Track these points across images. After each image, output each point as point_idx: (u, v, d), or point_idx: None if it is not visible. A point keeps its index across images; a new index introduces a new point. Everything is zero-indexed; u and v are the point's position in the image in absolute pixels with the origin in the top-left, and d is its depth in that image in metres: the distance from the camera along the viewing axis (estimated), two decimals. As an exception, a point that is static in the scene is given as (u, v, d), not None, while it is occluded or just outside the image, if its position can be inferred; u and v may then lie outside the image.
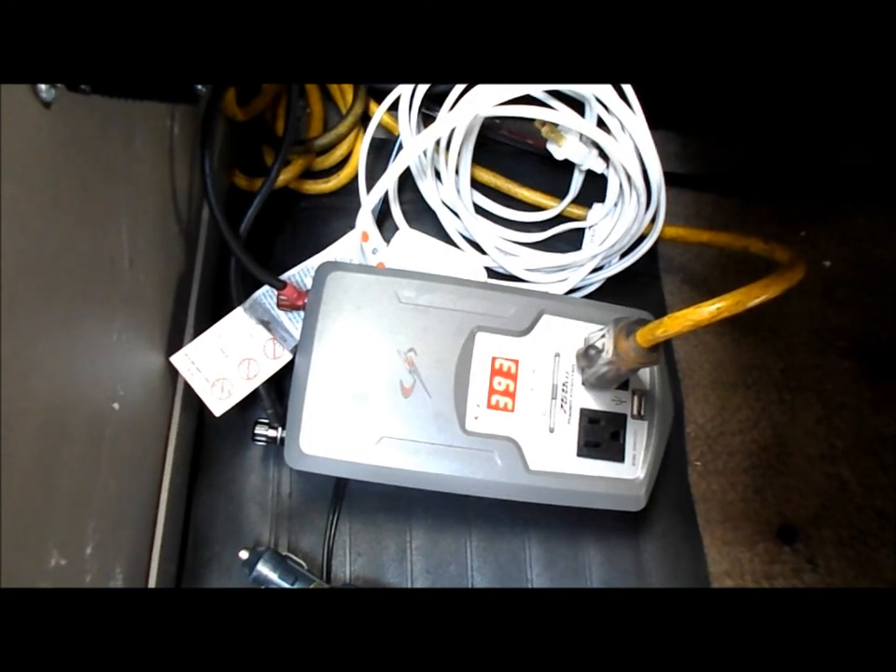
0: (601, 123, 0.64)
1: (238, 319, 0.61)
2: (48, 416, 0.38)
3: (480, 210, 0.74)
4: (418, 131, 0.69)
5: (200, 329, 0.60)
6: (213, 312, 0.66)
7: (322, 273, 0.58)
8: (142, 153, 0.49)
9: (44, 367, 0.37)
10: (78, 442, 0.42)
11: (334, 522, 0.63)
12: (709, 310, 0.44)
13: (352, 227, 0.67)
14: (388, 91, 0.69)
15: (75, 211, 0.39)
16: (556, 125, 0.69)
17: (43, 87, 0.33)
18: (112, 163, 0.44)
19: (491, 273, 0.70)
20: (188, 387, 0.59)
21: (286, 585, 0.56)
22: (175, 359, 0.58)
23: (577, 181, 0.74)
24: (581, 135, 0.68)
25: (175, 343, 0.59)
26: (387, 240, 0.69)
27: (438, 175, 0.70)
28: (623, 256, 0.71)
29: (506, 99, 0.59)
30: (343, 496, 0.64)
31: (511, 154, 0.77)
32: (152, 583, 0.54)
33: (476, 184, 0.74)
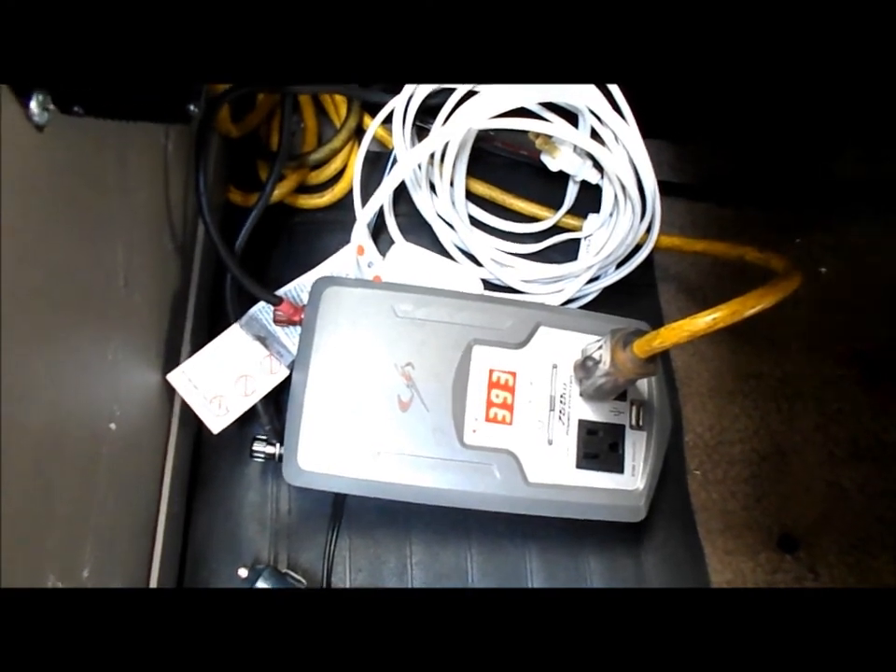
0: (595, 134, 0.64)
1: (235, 336, 0.61)
2: (43, 439, 0.38)
3: (475, 222, 0.74)
4: (412, 144, 0.69)
5: (196, 346, 0.60)
6: (209, 328, 0.66)
7: (318, 288, 0.58)
8: (137, 172, 0.49)
9: (39, 389, 0.37)
10: (75, 464, 0.42)
11: (334, 538, 0.63)
12: (705, 320, 0.44)
13: (347, 241, 0.67)
14: (382, 105, 0.69)
15: (69, 232, 0.39)
16: (550, 137, 0.69)
17: (36, 111, 0.33)
18: (107, 183, 0.44)
19: (487, 284, 0.70)
20: (185, 405, 0.59)
21: (285, 603, 0.56)
22: (172, 377, 0.58)
23: (572, 192, 0.74)
24: (575, 147, 0.68)
25: (171, 361, 0.59)
26: (383, 253, 0.69)
27: (432, 187, 0.70)
28: (618, 266, 0.71)
29: (500, 112, 0.59)
30: (342, 511, 0.64)
31: (505, 165, 0.77)
32: (151, 603, 0.54)
33: (471, 195, 0.74)
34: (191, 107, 0.35)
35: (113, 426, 0.47)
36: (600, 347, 0.53)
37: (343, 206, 0.73)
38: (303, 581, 0.59)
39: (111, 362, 0.46)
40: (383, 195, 0.63)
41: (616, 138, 0.63)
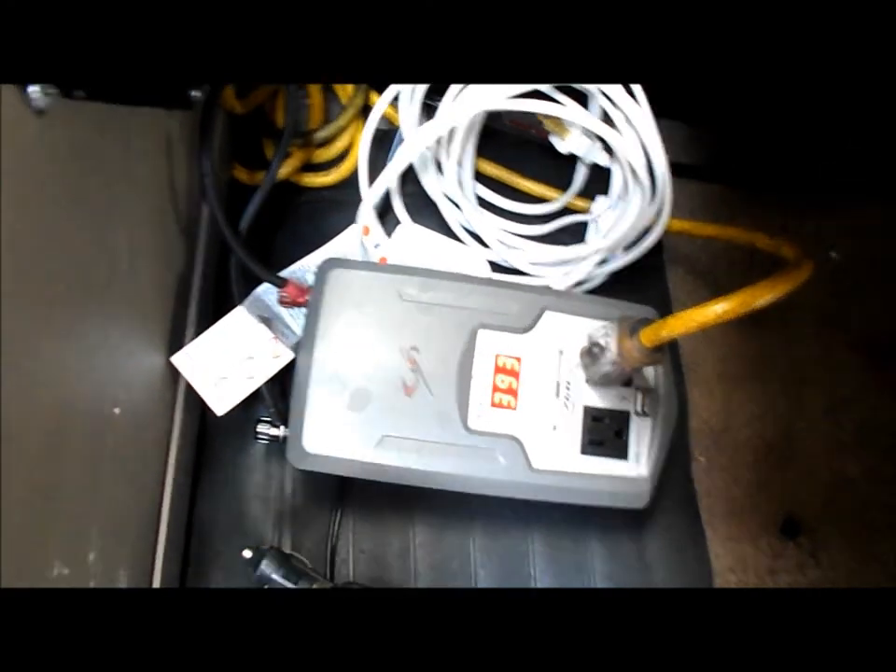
0: (606, 116, 0.63)
1: (239, 317, 0.60)
2: (48, 425, 0.38)
3: (482, 202, 0.73)
4: (420, 123, 0.68)
5: (201, 328, 0.60)
6: (214, 310, 0.65)
7: (324, 270, 0.58)
8: (140, 153, 0.49)
9: (43, 375, 0.37)
10: (79, 450, 0.42)
11: (337, 519, 0.63)
12: (714, 311, 0.43)
13: (353, 220, 0.66)
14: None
15: (72, 217, 0.39)
16: (560, 119, 0.67)
17: (36, 95, 0.32)
18: (109, 165, 0.44)
19: (494, 266, 0.69)
20: (189, 387, 0.59)
21: (289, 584, 0.56)
22: (176, 359, 0.57)
23: (581, 172, 0.73)
24: (585, 128, 0.67)
25: (176, 343, 0.58)
26: (389, 233, 0.68)
27: (439, 166, 0.69)
28: (627, 249, 0.70)
29: (510, 95, 0.58)
30: (346, 493, 0.64)
31: (513, 144, 0.75)
32: (156, 584, 0.54)
33: (478, 175, 0.73)
34: (193, 93, 0.35)
35: (117, 410, 0.47)
36: (606, 334, 0.52)
37: (350, 185, 0.72)
38: (307, 562, 0.60)
39: (115, 346, 0.46)
40: (388, 179, 0.62)
41: (627, 121, 0.62)
